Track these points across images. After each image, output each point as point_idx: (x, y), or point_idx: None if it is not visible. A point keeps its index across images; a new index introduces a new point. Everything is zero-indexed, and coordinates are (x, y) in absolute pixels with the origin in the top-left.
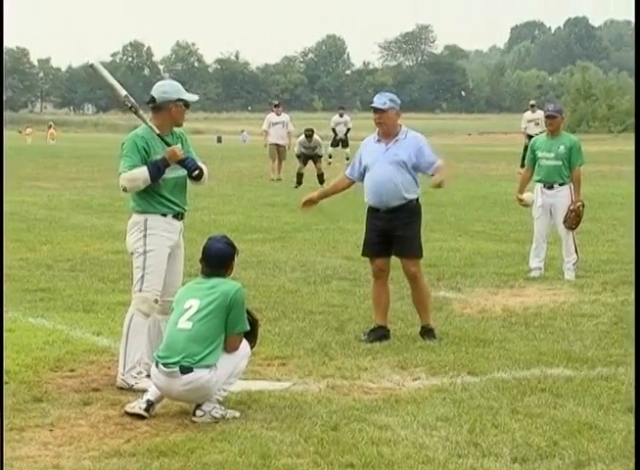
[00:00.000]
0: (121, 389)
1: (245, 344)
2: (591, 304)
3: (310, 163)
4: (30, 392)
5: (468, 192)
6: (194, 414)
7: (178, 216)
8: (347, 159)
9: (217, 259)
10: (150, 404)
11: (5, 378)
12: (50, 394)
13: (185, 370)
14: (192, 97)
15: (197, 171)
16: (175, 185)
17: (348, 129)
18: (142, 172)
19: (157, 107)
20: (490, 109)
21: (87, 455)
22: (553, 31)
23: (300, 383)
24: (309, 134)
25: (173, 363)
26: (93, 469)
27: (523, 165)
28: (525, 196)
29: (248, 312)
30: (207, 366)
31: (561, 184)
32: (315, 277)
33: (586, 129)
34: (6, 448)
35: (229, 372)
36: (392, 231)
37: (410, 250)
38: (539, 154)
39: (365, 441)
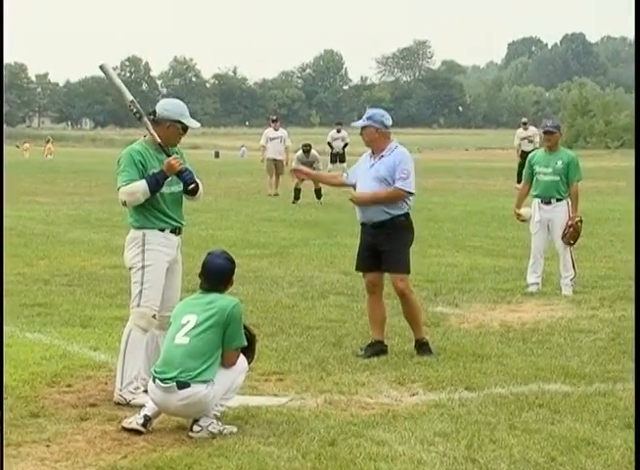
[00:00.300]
0: (119, 404)
1: (242, 359)
2: (589, 319)
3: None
4: (27, 407)
5: (465, 207)
6: (191, 429)
7: (176, 231)
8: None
9: (217, 275)
10: (147, 420)
11: None
12: (47, 409)
13: (182, 385)
14: (192, 123)
15: (193, 185)
16: (172, 200)
17: (346, 144)
18: (141, 185)
19: (155, 121)
20: (488, 124)
21: None
22: (550, 47)
23: (298, 398)
24: (307, 149)
25: (170, 378)
26: None
27: (519, 181)
28: (523, 211)
29: (245, 328)
30: (205, 382)
31: (558, 200)
32: (313, 292)
33: (583, 145)
34: (2, 464)
35: (226, 387)
36: (378, 246)
37: (396, 265)
38: (537, 168)
39: (363, 456)
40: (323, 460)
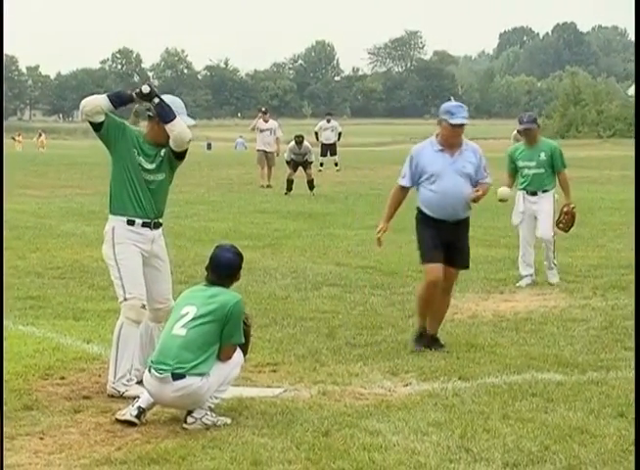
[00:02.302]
0: (112, 396)
1: (238, 352)
2: (581, 308)
3: (300, 169)
4: (21, 400)
5: None
6: (185, 421)
7: (150, 225)
8: (336, 165)
9: (225, 269)
10: (141, 411)
11: None
12: (40, 402)
13: (177, 377)
14: (186, 120)
15: (171, 122)
16: (154, 191)
17: (340, 134)
18: (104, 97)
19: (149, 116)
20: (480, 114)
21: (78, 463)
22: (541, 37)
23: (291, 389)
24: (299, 141)
25: (166, 369)
26: None
27: None
28: (501, 190)
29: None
30: (200, 374)
31: (544, 191)
32: (306, 284)
33: (575, 134)
34: None
35: (221, 380)
36: (456, 242)
37: (465, 261)
38: (521, 163)
39: (357, 446)
40: (317, 451)
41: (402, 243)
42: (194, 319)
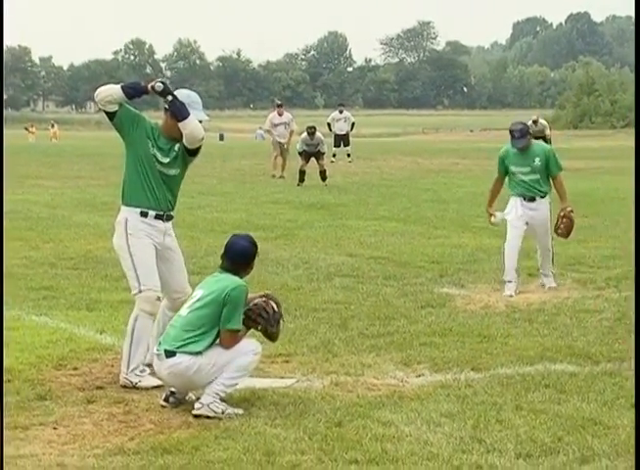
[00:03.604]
0: (125, 387)
1: (248, 342)
2: (594, 299)
3: (313, 160)
4: (34, 390)
5: (470, 188)
6: (194, 408)
7: (163, 218)
8: (349, 156)
9: (240, 257)
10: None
11: (9, 376)
12: (54, 392)
13: (169, 354)
14: (199, 115)
15: (184, 121)
16: (168, 184)
17: (353, 124)
18: (118, 87)
19: (165, 108)
20: (492, 105)
21: (91, 453)
22: (555, 27)
23: (304, 380)
24: (312, 132)
25: (161, 347)
26: (97, 467)
27: None
28: (499, 214)
29: (277, 303)
30: (189, 353)
31: (542, 197)
32: (318, 274)
33: (589, 125)
34: (10, 447)
35: (220, 365)
36: None
37: None
38: (513, 169)
39: (369, 437)
40: (329, 441)
41: (414, 234)
42: (198, 301)
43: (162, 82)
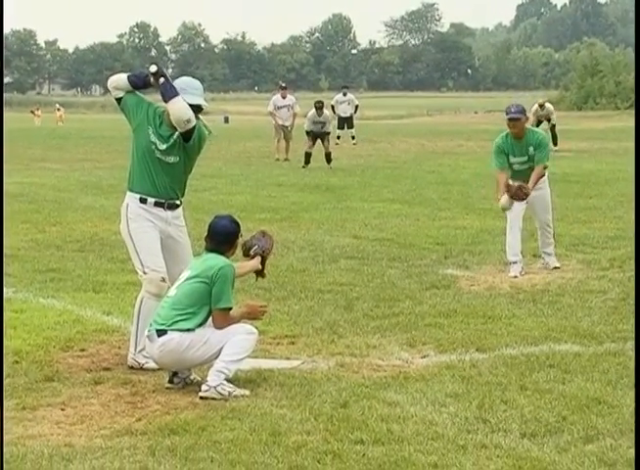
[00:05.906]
0: (132, 368)
1: (241, 325)
2: (599, 280)
3: (318, 143)
4: (42, 371)
5: (475, 170)
6: (200, 389)
7: (164, 205)
8: (353, 138)
9: (221, 236)
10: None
11: (16, 358)
12: (61, 373)
13: (160, 333)
14: (192, 99)
15: (170, 100)
16: (168, 172)
17: (357, 107)
18: (125, 76)
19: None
20: (497, 86)
21: (99, 434)
22: (559, 8)
23: (310, 361)
24: (319, 106)
25: (152, 327)
26: (104, 447)
27: None
28: (503, 200)
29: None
30: (180, 330)
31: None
32: (323, 256)
33: (593, 106)
34: (18, 427)
35: (212, 344)
36: None
37: None
38: (511, 159)
39: (375, 418)
40: (335, 422)
41: (419, 215)
42: (184, 281)
43: (156, 63)
